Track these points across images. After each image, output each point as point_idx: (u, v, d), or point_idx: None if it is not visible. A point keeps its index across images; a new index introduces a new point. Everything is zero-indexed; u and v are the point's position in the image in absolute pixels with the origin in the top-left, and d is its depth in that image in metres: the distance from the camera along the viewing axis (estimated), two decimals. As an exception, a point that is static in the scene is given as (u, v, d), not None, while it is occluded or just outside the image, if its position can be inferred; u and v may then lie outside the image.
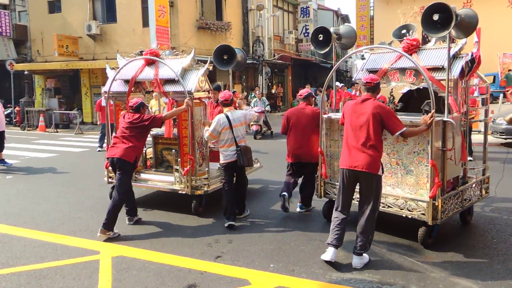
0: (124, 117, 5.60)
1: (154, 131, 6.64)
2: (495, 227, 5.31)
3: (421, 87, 5.24)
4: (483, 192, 5.45)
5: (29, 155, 11.62)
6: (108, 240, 5.14)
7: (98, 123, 12.51)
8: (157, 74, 6.08)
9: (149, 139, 6.53)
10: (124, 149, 5.36)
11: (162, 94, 6.28)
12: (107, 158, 5.58)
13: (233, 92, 7.57)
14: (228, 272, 4.22)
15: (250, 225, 5.61)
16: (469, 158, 6.62)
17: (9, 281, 4.14)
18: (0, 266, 4.47)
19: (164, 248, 4.85)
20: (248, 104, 14.33)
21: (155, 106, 11.13)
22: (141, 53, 6.50)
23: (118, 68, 6.43)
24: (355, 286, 3.88)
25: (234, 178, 5.82)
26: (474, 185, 5.28)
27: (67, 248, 4.93)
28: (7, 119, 20.56)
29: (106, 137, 12.09)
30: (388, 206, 4.86)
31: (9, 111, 19.89)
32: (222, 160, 5.66)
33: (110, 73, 6.62)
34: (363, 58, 5.73)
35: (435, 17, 4.38)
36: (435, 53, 5.06)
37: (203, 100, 6.19)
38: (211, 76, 12.87)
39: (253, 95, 16.58)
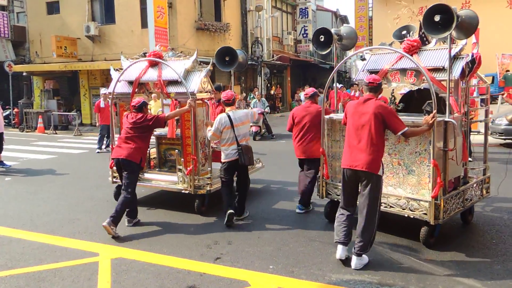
0: (127, 117, 5.68)
1: (158, 131, 6.75)
2: (494, 228, 5.32)
3: (422, 88, 5.26)
4: (484, 192, 5.48)
5: (28, 156, 11.60)
6: (107, 241, 5.13)
7: (97, 124, 12.50)
8: (161, 76, 6.19)
9: (153, 139, 6.68)
10: (129, 149, 5.45)
11: (164, 95, 6.38)
12: (113, 159, 5.67)
13: None
14: (227, 273, 4.22)
15: (250, 226, 5.60)
16: (468, 159, 6.63)
17: (8, 284, 4.13)
18: (-2, 269, 4.46)
19: (163, 250, 4.85)
20: (248, 105, 14.33)
21: (154, 107, 11.15)
22: (144, 54, 6.61)
23: (122, 69, 6.53)
24: (355, 287, 3.88)
25: (235, 178, 5.88)
26: (475, 185, 5.31)
27: (66, 250, 4.92)
28: (6, 120, 20.53)
29: (110, 138, 12.20)
30: (390, 206, 4.89)
31: (7, 112, 19.86)
32: (223, 159, 5.72)
33: (114, 75, 6.73)
34: (363, 59, 5.74)
35: (436, 18, 4.40)
36: (435, 54, 5.09)
37: (206, 101, 6.29)
38: (210, 77, 12.88)
39: (252, 96, 16.58)
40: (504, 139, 10.99)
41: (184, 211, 6.22)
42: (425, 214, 4.58)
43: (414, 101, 5.81)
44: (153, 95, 9.22)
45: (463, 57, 4.96)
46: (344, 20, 42.54)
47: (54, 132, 17.84)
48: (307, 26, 29.07)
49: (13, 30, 21.32)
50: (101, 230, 5.54)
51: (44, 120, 18.35)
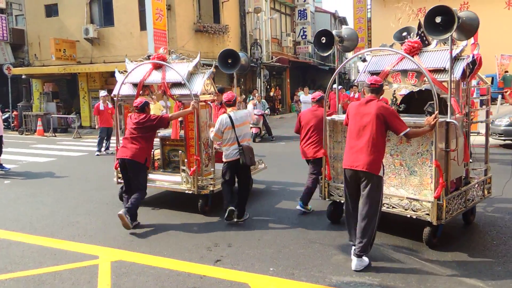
0: (131, 117, 5.80)
1: (162, 133, 6.93)
2: (495, 229, 5.31)
3: (423, 89, 5.28)
4: (486, 192, 5.52)
5: (27, 159, 11.59)
6: (107, 244, 5.12)
7: (96, 127, 12.48)
8: (164, 78, 6.32)
9: (157, 140, 6.81)
10: (134, 150, 5.57)
11: (169, 97, 6.52)
12: (118, 159, 5.76)
13: None
14: (227, 276, 4.21)
15: (250, 228, 5.59)
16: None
17: (8, 287, 4.11)
18: (-2, 272, 4.44)
19: (163, 252, 4.83)
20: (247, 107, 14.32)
21: (153, 109, 11.15)
22: (148, 57, 6.75)
23: (126, 72, 6.69)
24: (356, 289, 3.88)
25: (236, 179, 5.94)
26: (476, 186, 5.34)
27: (66, 253, 4.90)
28: (5, 123, 20.50)
29: (109, 140, 12.22)
30: (393, 207, 4.91)
31: (6, 115, 19.85)
32: (224, 159, 5.81)
33: (119, 77, 6.86)
34: (364, 60, 5.77)
35: (438, 19, 4.44)
36: (436, 55, 5.12)
37: (209, 102, 6.44)
38: (209, 79, 12.84)
39: (251, 98, 16.58)
40: (504, 140, 10.99)
41: (187, 211, 6.29)
42: (428, 214, 4.60)
43: (415, 102, 5.84)
44: (153, 97, 9.25)
45: (464, 58, 4.99)
46: (342, 21, 42.58)
47: (53, 134, 17.83)
48: (306, 28, 29.10)
49: (11, 33, 21.32)
50: (101, 233, 5.55)
51: (43, 122, 18.34)
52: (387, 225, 5.22)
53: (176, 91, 6.32)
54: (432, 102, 4.59)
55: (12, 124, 20.00)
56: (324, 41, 5.75)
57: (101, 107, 12.27)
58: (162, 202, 6.92)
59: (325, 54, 5.96)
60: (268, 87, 25.80)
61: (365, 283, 3.97)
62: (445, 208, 4.55)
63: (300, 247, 4.89)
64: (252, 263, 4.48)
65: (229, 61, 6.70)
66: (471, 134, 5.63)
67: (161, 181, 6.53)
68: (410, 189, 4.92)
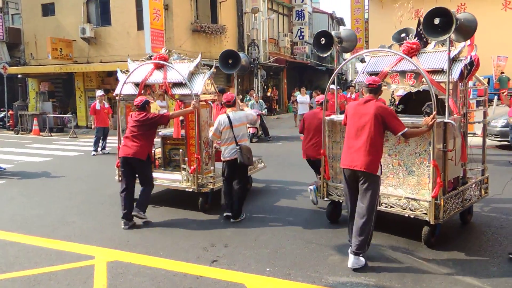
0: (131, 116, 5.92)
1: (163, 132, 7.09)
2: (490, 230, 5.33)
3: (421, 90, 5.33)
4: (483, 192, 5.57)
5: (23, 159, 11.54)
6: (103, 244, 5.10)
7: (93, 126, 12.44)
8: (166, 78, 6.45)
9: (158, 140, 6.98)
10: (136, 147, 5.68)
11: (166, 97, 6.60)
12: (120, 158, 5.86)
13: None
14: (224, 276, 4.20)
15: (246, 228, 5.58)
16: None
17: (3, 287, 4.09)
18: (-7, 272, 4.42)
19: (159, 253, 4.82)
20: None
21: (151, 109, 11.13)
22: (150, 57, 6.89)
23: (128, 72, 6.82)
24: (352, 290, 3.88)
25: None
26: (474, 186, 5.40)
27: (62, 253, 4.88)
28: (1, 123, 20.49)
29: (105, 140, 12.18)
30: (391, 206, 4.95)
31: (2, 115, 19.78)
32: (223, 158, 5.92)
33: (121, 77, 6.97)
34: (363, 61, 5.82)
35: (436, 21, 4.49)
36: (434, 56, 5.17)
37: (209, 102, 6.57)
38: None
39: (248, 98, 16.57)
40: (500, 141, 11.04)
41: (187, 209, 6.40)
42: (425, 214, 4.66)
43: (412, 102, 5.88)
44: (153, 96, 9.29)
45: (462, 59, 5.04)
46: (340, 22, 42.66)
47: (49, 134, 17.77)
48: (303, 28, 29.11)
49: (8, 32, 21.23)
50: (97, 233, 5.53)
51: (39, 122, 18.27)
52: (385, 224, 5.23)
53: (177, 91, 6.44)
54: (430, 102, 4.64)
55: (8, 124, 19.91)
56: (323, 42, 5.80)
57: (98, 107, 12.23)
58: (162, 200, 6.94)
59: (324, 55, 6.03)
60: (265, 87, 25.79)
61: (361, 283, 3.97)
62: (442, 208, 4.60)
63: (297, 247, 4.89)
64: (248, 264, 4.48)
65: (230, 62, 6.79)
66: (467, 135, 5.68)
67: (162, 179, 6.61)
68: (408, 188, 4.99)
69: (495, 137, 10.97)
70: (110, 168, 9.95)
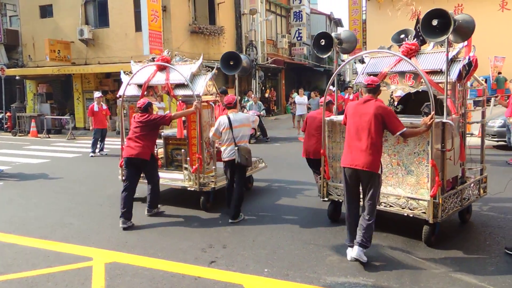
0: (134, 117, 6.10)
1: (165, 132, 7.28)
2: (488, 229, 5.35)
3: (420, 90, 5.38)
4: (481, 191, 5.62)
5: (21, 161, 11.52)
6: (101, 246, 5.10)
7: (91, 128, 12.44)
8: (168, 79, 6.62)
9: (160, 141, 7.14)
10: (139, 148, 5.85)
11: (172, 97, 6.83)
12: (124, 158, 6.01)
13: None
14: (222, 277, 4.20)
15: (244, 229, 5.59)
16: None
17: (0, 289, 4.09)
18: (-10, 274, 4.41)
19: (157, 254, 4.82)
20: (243, 108, 14.33)
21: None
22: (153, 59, 7.03)
23: (131, 73, 7.00)
24: (350, 290, 3.88)
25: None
26: (472, 185, 5.44)
27: (59, 255, 4.88)
28: (-2, 124, 20.45)
29: (103, 142, 12.19)
30: (390, 206, 4.99)
31: (0, 116, 19.72)
32: (222, 158, 6.02)
33: (124, 78, 7.11)
34: (362, 61, 5.88)
35: (434, 22, 4.54)
36: (433, 57, 5.23)
37: (211, 103, 6.72)
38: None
39: (246, 99, 16.58)
40: (497, 141, 11.06)
41: (188, 208, 6.52)
42: (424, 213, 4.70)
43: (412, 103, 5.96)
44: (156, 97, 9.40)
45: (460, 60, 5.10)
46: (338, 23, 42.72)
47: (47, 136, 17.75)
48: (301, 29, 29.13)
49: (5, 34, 21.22)
50: (95, 234, 5.53)
51: (37, 124, 18.25)
52: (383, 224, 5.24)
53: (180, 92, 6.58)
54: (429, 103, 4.69)
55: (6, 126, 19.88)
56: (323, 43, 5.85)
57: (96, 108, 12.22)
58: (164, 199, 6.97)
59: (324, 56, 6.10)
60: (263, 88, 25.81)
61: (359, 283, 3.98)
62: (441, 207, 4.65)
63: (295, 248, 4.90)
64: (246, 264, 4.48)
65: (231, 63, 6.92)
66: (466, 135, 5.72)
67: (164, 178, 6.71)
68: (407, 188, 5.04)
69: (492, 137, 11.00)
70: (108, 170, 9.95)
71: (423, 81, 4.81)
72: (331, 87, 6.50)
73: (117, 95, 7.30)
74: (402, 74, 5.34)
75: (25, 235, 5.58)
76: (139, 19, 17.13)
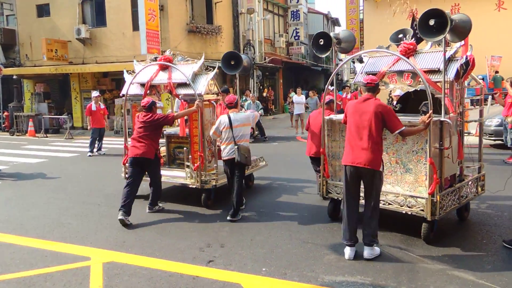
0: (138, 117, 6.22)
1: (167, 131, 7.38)
2: (485, 228, 5.37)
3: (418, 89, 5.42)
4: (479, 189, 5.68)
5: (18, 160, 11.50)
6: (99, 245, 5.10)
7: (89, 127, 12.41)
8: (170, 78, 6.73)
9: (162, 140, 7.21)
10: (143, 147, 6.01)
11: (175, 97, 6.95)
12: (129, 158, 6.16)
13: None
14: (220, 276, 4.21)
15: (242, 228, 5.59)
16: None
17: (-2, 289, 4.09)
18: (-12, 274, 4.40)
19: (155, 253, 4.82)
20: (242, 107, 14.34)
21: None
22: (155, 59, 7.17)
23: (134, 72, 7.14)
24: (348, 289, 3.90)
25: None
26: (470, 183, 5.50)
27: (57, 255, 4.87)
28: (-4, 124, 20.40)
29: (101, 141, 12.16)
30: (389, 203, 5.04)
31: (-3, 116, 19.67)
32: (222, 157, 6.14)
33: (127, 78, 7.24)
34: (361, 61, 5.92)
35: (431, 22, 4.59)
36: (431, 56, 5.28)
37: (212, 102, 6.84)
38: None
39: (244, 98, 16.59)
40: (494, 140, 11.10)
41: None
42: (422, 210, 4.75)
43: (411, 102, 6.02)
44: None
45: (457, 59, 5.15)
46: (335, 22, 42.75)
47: (45, 135, 17.71)
48: (298, 29, 29.15)
49: (2, 33, 21.15)
50: (93, 234, 5.52)
51: (34, 123, 18.21)
52: (381, 221, 5.21)
53: (182, 91, 6.68)
54: (427, 101, 4.73)
55: (3, 125, 19.83)
56: (322, 43, 5.87)
57: (93, 108, 12.20)
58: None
59: (323, 56, 6.15)
60: (261, 87, 25.81)
61: (357, 282, 3.99)
62: (439, 204, 4.70)
63: (293, 247, 4.91)
64: (244, 264, 4.49)
65: (232, 63, 7.04)
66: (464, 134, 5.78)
67: (167, 176, 6.83)
68: (405, 186, 5.09)
69: (489, 136, 11.04)
70: (106, 169, 9.95)
71: (421, 80, 4.85)
72: (330, 87, 6.54)
73: (120, 94, 7.42)
74: (400, 73, 5.39)
75: (22, 234, 5.58)
76: (136, 18, 17.10)
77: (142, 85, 6.99)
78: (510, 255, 4.54)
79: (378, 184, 4.52)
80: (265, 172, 8.61)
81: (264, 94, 26.04)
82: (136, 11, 16.93)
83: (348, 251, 4.51)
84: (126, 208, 5.82)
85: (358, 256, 4.52)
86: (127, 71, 7.43)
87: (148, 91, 6.91)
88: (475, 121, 6.11)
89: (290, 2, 29.15)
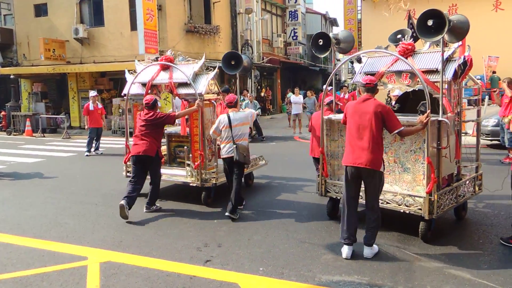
0: (140, 115, 6.31)
1: (168, 130, 7.44)
2: (481, 227, 5.39)
3: (417, 89, 5.46)
4: (476, 188, 5.72)
5: (16, 160, 11.47)
6: (96, 245, 5.09)
7: (86, 127, 12.39)
8: (171, 78, 6.82)
9: (163, 140, 7.30)
10: (145, 145, 6.09)
11: (175, 96, 7.04)
12: (132, 156, 6.26)
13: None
14: (217, 276, 4.21)
15: (240, 228, 5.60)
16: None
17: (-5, 289, 4.08)
18: (-15, 274, 4.39)
19: (153, 253, 4.82)
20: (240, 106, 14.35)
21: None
22: (156, 59, 7.33)
23: (136, 72, 7.23)
24: (344, 288, 3.90)
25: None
26: (467, 182, 5.54)
27: (54, 254, 4.87)
28: (-7, 124, 20.34)
29: (99, 141, 12.14)
30: (387, 202, 5.08)
31: (-6, 115, 19.61)
32: (221, 155, 6.24)
33: (129, 77, 7.32)
34: (359, 61, 5.96)
35: (429, 22, 4.62)
36: (429, 56, 5.32)
37: (213, 101, 6.94)
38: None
39: (242, 98, 16.58)
40: (491, 140, 11.13)
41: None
42: (420, 209, 4.79)
43: (410, 102, 6.06)
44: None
45: (455, 60, 5.19)
46: (333, 22, 42.79)
47: (42, 135, 17.67)
48: (296, 29, 29.16)
49: (0, 33, 21.06)
50: (90, 234, 5.52)
51: (32, 123, 18.17)
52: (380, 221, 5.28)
53: (182, 91, 6.77)
54: (425, 101, 4.76)
55: (0, 125, 19.76)
56: (321, 43, 5.91)
57: (91, 107, 12.18)
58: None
59: (322, 56, 6.20)
60: (259, 87, 25.81)
61: (354, 282, 4.00)
62: (436, 203, 4.73)
63: (290, 247, 4.91)
64: (242, 263, 4.49)
65: (232, 63, 7.13)
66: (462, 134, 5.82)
67: (167, 174, 6.94)
68: (403, 185, 5.14)
69: (486, 136, 11.06)
70: (103, 169, 9.94)
71: (420, 80, 4.89)
72: (329, 87, 6.62)
73: (122, 94, 7.50)
74: (399, 73, 5.44)
75: (19, 234, 5.57)
76: (134, 18, 17.07)
77: (143, 84, 7.07)
78: (507, 254, 4.57)
79: (379, 185, 4.56)
80: (264, 171, 8.62)
81: (262, 94, 26.04)
82: (134, 11, 16.91)
83: (345, 250, 4.52)
84: (130, 199, 5.97)
85: (355, 256, 4.53)
86: (128, 70, 7.53)
87: (149, 91, 6.98)
88: (473, 121, 6.15)
89: (288, 2, 29.17)
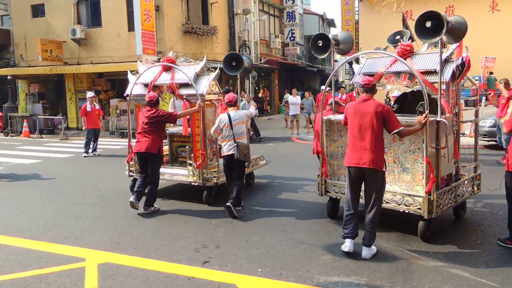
0: (142, 112, 6.44)
1: (170, 130, 7.60)
2: (479, 228, 5.41)
3: (415, 90, 5.49)
4: (475, 188, 5.76)
5: (13, 161, 11.44)
6: (94, 246, 5.08)
7: (83, 128, 12.37)
8: (173, 79, 6.93)
9: (165, 141, 7.38)
10: (148, 142, 6.22)
11: (177, 97, 7.14)
12: (135, 153, 6.46)
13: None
14: (215, 277, 4.21)
15: (238, 229, 5.59)
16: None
17: (-8, 291, 4.06)
18: (-18, 275, 4.37)
19: (150, 254, 4.81)
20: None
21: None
22: (158, 60, 7.41)
23: (138, 73, 7.35)
24: (343, 289, 3.91)
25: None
26: (466, 182, 5.58)
27: (52, 256, 4.85)
28: (-10, 125, 20.27)
29: (96, 142, 12.13)
30: (387, 202, 5.11)
31: (-9, 116, 19.55)
32: (222, 153, 6.33)
33: (131, 78, 7.42)
34: (358, 61, 6.01)
35: (428, 24, 4.66)
36: (427, 57, 5.36)
37: (214, 102, 7.07)
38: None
39: (240, 99, 16.60)
40: (488, 141, 11.17)
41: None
42: (419, 209, 4.83)
43: (408, 102, 6.10)
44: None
45: (453, 61, 5.23)
46: (331, 23, 42.85)
47: (39, 136, 17.63)
48: (294, 30, 29.21)
49: (-3, 33, 21.04)
50: (88, 235, 5.50)
51: (29, 124, 18.12)
52: (380, 220, 5.27)
53: (184, 91, 6.88)
54: (423, 102, 4.79)
55: (-3, 126, 19.72)
56: (320, 44, 5.93)
57: (88, 108, 12.16)
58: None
59: (322, 57, 6.24)
60: (256, 88, 25.83)
61: (352, 283, 4.00)
62: (435, 203, 4.76)
63: (288, 247, 4.92)
64: (240, 264, 4.49)
65: (233, 64, 7.23)
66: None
67: (169, 174, 7.08)
68: (402, 185, 5.18)
69: (483, 137, 11.10)
70: (101, 170, 9.92)
71: (418, 81, 4.92)
72: (328, 88, 6.66)
73: (124, 94, 7.62)
74: (397, 74, 5.46)
75: (17, 235, 5.55)
76: (132, 18, 17.06)
77: (146, 85, 7.15)
78: (504, 254, 4.58)
79: (381, 184, 4.59)
80: (264, 171, 8.62)
81: (260, 95, 26.06)
82: (132, 11, 16.89)
83: (348, 243, 4.55)
84: (138, 194, 6.18)
85: (354, 256, 4.54)
86: (131, 71, 7.63)
87: (151, 92, 6.99)
88: (470, 121, 6.18)
89: (286, 3, 29.20)
